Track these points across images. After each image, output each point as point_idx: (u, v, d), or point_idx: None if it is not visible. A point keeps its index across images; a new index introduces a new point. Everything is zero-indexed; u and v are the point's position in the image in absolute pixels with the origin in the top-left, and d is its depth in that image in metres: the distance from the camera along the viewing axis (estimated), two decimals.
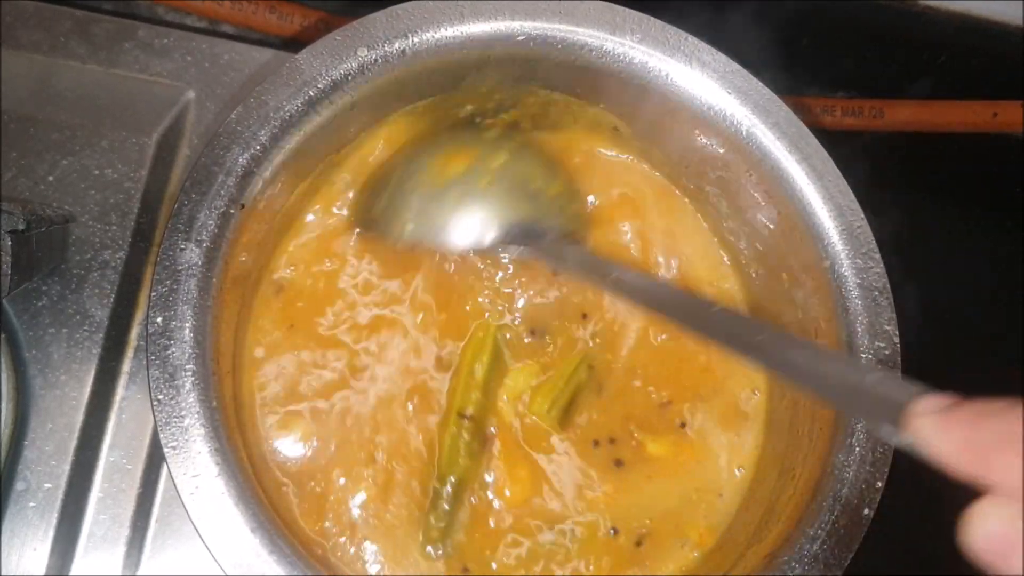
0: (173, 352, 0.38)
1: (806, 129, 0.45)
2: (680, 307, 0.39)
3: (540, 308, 0.49)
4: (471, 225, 0.45)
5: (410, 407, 0.46)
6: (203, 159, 0.40)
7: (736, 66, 0.45)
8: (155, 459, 0.50)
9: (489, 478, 0.46)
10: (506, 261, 0.48)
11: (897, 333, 0.43)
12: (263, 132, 0.41)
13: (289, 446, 0.45)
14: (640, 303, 0.42)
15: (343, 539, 0.44)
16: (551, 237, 0.46)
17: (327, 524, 0.44)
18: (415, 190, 0.45)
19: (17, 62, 0.53)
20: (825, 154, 0.45)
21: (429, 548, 0.45)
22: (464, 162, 0.46)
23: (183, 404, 0.37)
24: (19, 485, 0.47)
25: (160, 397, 0.37)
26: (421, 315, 0.48)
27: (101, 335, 0.50)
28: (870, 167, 0.48)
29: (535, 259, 0.47)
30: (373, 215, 0.47)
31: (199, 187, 0.40)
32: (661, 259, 0.51)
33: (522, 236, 0.45)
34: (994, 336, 0.69)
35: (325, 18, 0.64)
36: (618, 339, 0.49)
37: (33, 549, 0.47)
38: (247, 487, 0.37)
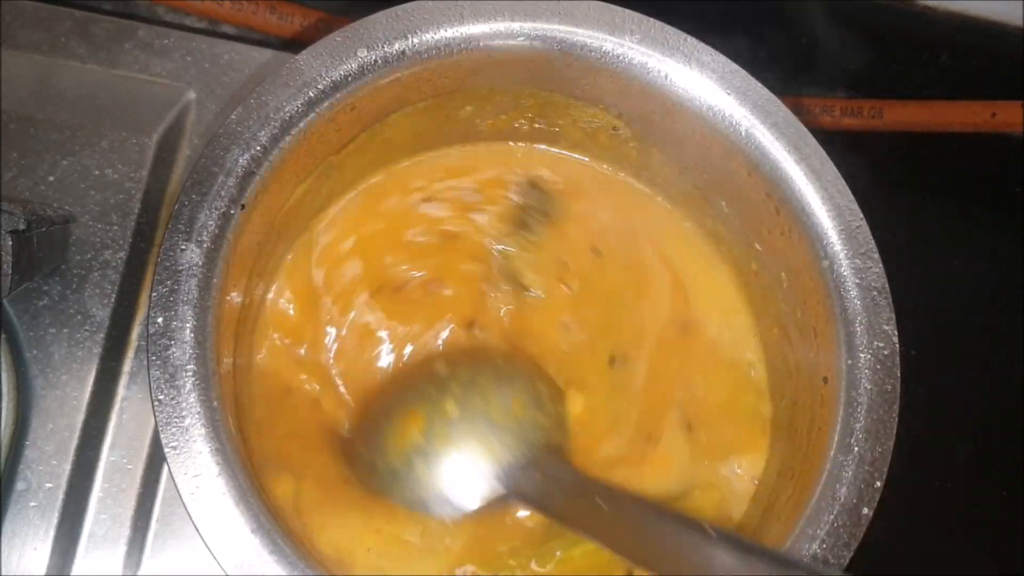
0: (174, 352, 0.38)
1: (805, 129, 0.45)
2: (664, 546, 0.34)
3: None
4: (447, 494, 0.43)
5: None
6: (203, 160, 0.40)
7: (735, 66, 0.45)
8: (156, 459, 0.50)
9: None
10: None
11: (896, 333, 0.43)
12: (263, 133, 0.41)
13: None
14: (621, 546, 0.36)
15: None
16: (533, 466, 0.42)
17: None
18: (384, 475, 0.43)
19: (17, 62, 0.53)
20: (824, 154, 0.45)
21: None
22: (417, 426, 0.43)
23: (184, 404, 0.37)
24: (20, 485, 0.47)
25: (161, 397, 0.37)
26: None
27: (102, 335, 0.50)
28: (869, 167, 0.48)
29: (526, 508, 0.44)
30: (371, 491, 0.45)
31: (199, 188, 0.40)
32: (656, 261, 0.52)
33: (503, 481, 0.42)
34: (994, 336, 0.69)
35: (325, 18, 0.65)
36: None
37: (34, 549, 0.47)
38: (248, 487, 0.37)
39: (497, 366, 0.47)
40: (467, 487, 0.43)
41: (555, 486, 0.41)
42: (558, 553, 0.45)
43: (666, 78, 0.45)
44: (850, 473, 0.40)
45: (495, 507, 0.43)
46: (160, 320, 0.38)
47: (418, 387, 0.45)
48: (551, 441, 0.44)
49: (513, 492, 0.42)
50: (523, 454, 0.43)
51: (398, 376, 0.47)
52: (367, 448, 0.44)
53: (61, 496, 0.47)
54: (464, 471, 0.43)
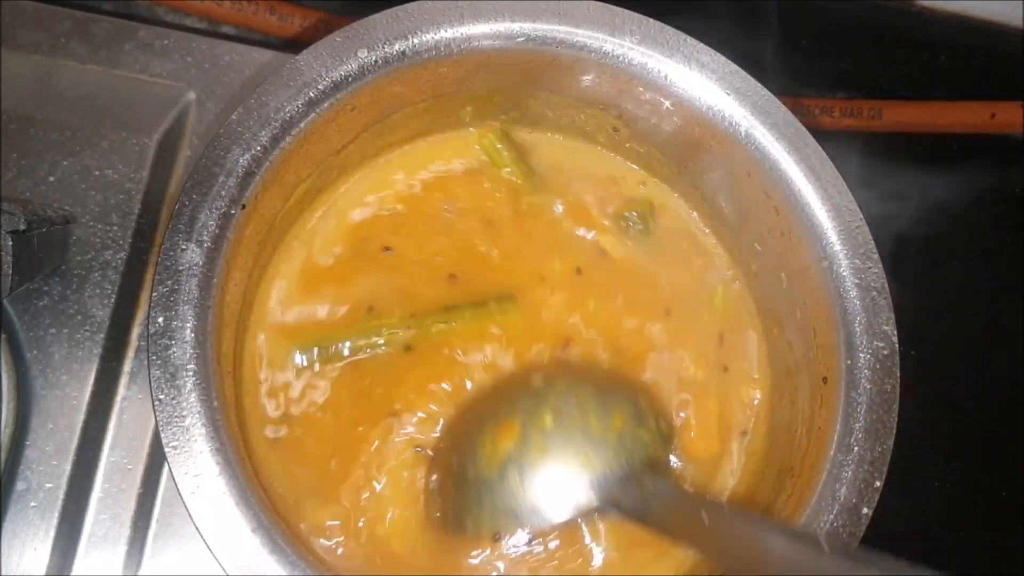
0: (174, 352, 0.38)
1: (804, 130, 0.45)
2: (771, 559, 0.32)
3: None
4: (539, 506, 0.42)
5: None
6: (204, 160, 0.40)
7: (735, 67, 0.45)
8: (156, 459, 0.50)
9: None
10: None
11: (895, 333, 0.43)
12: (264, 133, 0.41)
13: None
14: (733, 563, 0.36)
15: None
16: (631, 479, 0.42)
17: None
18: (474, 485, 0.43)
19: (17, 62, 0.54)
20: (823, 155, 0.45)
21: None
22: (511, 436, 0.43)
23: (184, 404, 0.37)
24: (20, 485, 0.47)
25: (161, 397, 0.37)
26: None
27: (102, 335, 0.50)
28: (869, 168, 0.49)
29: (621, 519, 0.42)
30: (449, 516, 0.44)
31: (200, 188, 0.40)
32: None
33: (599, 493, 0.42)
34: (994, 336, 0.69)
35: (325, 19, 0.65)
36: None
37: (34, 549, 0.47)
38: (248, 487, 0.37)
39: (598, 382, 0.46)
40: (560, 498, 0.42)
41: (655, 500, 0.40)
42: None
43: (666, 79, 0.45)
44: (850, 473, 0.41)
45: (584, 517, 0.43)
46: (160, 320, 0.38)
47: (513, 398, 0.44)
48: (651, 457, 0.43)
49: (609, 504, 0.42)
50: (621, 468, 0.42)
51: (491, 388, 0.47)
52: (459, 457, 0.44)
53: (61, 496, 0.47)
54: (558, 482, 0.42)
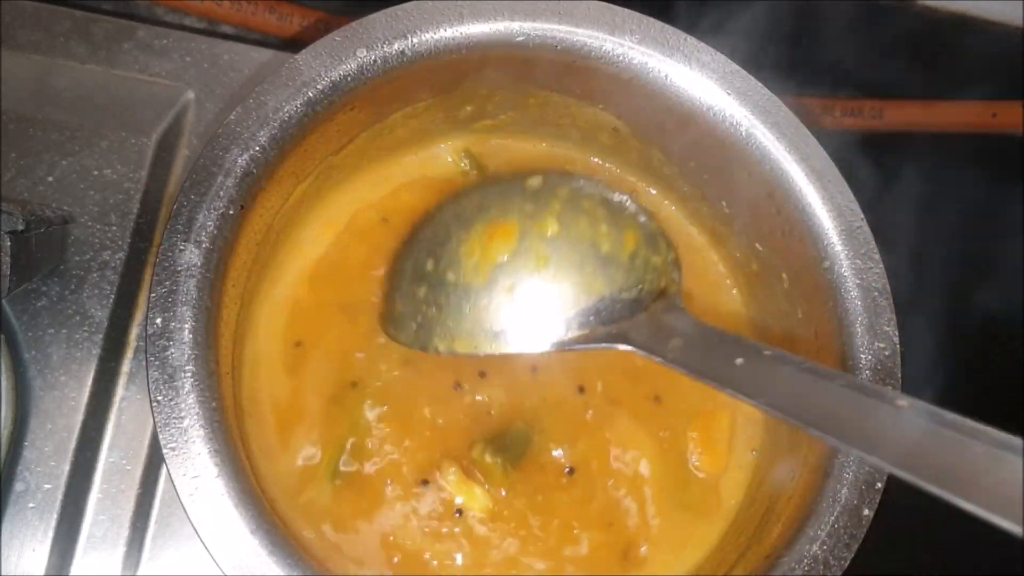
0: (172, 353, 0.38)
1: (805, 130, 0.45)
2: (836, 411, 0.29)
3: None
4: (532, 324, 0.35)
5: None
6: (202, 160, 0.40)
7: (735, 67, 0.45)
8: (154, 460, 0.50)
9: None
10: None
11: (896, 333, 0.43)
12: (262, 133, 0.41)
13: None
14: (770, 406, 0.31)
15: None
16: (641, 310, 0.35)
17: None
18: (453, 292, 0.36)
19: (17, 62, 0.53)
20: (824, 154, 0.45)
21: None
22: (505, 241, 0.36)
23: (182, 405, 0.37)
24: (18, 486, 0.47)
25: (159, 398, 0.37)
26: None
27: (100, 336, 0.50)
28: (870, 168, 0.48)
29: (630, 352, 0.35)
30: (411, 330, 0.37)
31: (198, 188, 0.40)
32: None
33: (604, 321, 0.35)
34: (994, 337, 0.69)
35: (324, 18, 0.64)
36: None
37: (32, 550, 0.47)
38: (247, 488, 0.37)
39: (604, 194, 0.39)
40: (555, 321, 0.35)
41: (673, 335, 0.34)
42: None
43: (666, 78, 0.45)
44: (851, 474, 0.40)
45: (581, 347, 0.36)
46: (159, 321, 0.38)
47: (507, 198, 0.37)
48: (664, 288, 0.37)
49: (614, 336, 0.35)
50: (631, 295, 0.36)
51: (474, 189, 0.40)
52: (435, 260, 0.37)
53: (60, 497, 0.47)
54: (556, 300, 0.35)
